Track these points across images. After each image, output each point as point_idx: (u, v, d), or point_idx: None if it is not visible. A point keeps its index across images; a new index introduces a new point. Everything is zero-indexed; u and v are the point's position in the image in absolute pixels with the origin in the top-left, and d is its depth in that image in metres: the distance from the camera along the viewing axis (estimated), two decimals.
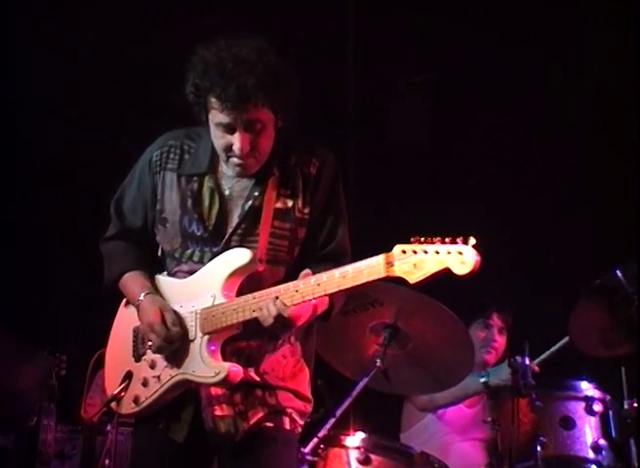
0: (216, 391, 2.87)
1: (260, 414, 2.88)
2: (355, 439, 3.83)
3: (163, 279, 3.02)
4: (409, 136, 5.74)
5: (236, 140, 2.80)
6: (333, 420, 3.73)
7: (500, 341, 4.70)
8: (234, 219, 2.92)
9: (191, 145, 3.02)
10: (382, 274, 2.58)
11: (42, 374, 4.76)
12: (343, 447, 3.82)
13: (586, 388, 3.97)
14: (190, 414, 2.88)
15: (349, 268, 2.65)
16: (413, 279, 2.55)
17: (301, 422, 3.00)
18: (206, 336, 2.84)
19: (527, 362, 4.09)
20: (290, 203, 2.92)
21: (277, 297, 2.70)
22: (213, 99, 2.78)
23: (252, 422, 2.87)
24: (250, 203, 2.91)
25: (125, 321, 3.07)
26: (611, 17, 5.17)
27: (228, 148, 2.83)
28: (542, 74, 5.42)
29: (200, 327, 2.84)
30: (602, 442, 3.83)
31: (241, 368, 2.80)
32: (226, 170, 2.95)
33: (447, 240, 2.54)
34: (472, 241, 2.52)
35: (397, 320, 3.88)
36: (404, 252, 2.56)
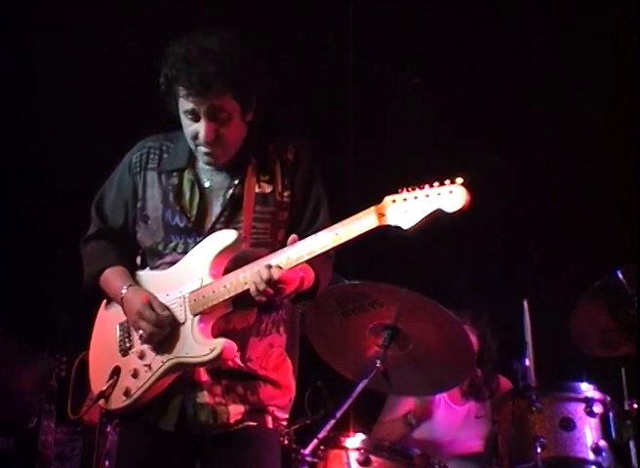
0: (200, 378, 2.88)
1: (242, 410, 2.88)
2: (355, 440, 3.82)
3: (145, 273, 3.03)
4: (409, 136, 5.74)
5: (201, 128, 2.88)
6: (333, 421, 3.72)
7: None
8: (216, 209, 2.97)
9: (169, 145, 3.10)
10: (375, 225, 2.62)
11: (42, 376, 4.76)
12: (343, 448, 3.81)
13: (586, 389, 3.95)
14: (179, 402, 2.88)
15: (341, 225, 2.67)
16: (406, 225, 2.60)
17: (285, 416, 3.02)
18: (197, 317, 2.84)
19: (527, 363, 4.09)
20: (269, 188, 2.99)
21: (270, 264, 2.72)
22: (180, 88, 2.87)
23: (233, 420, 2.87)
24: (231, 191, 2.97)
25: (107, 320, 3.06)
26: (612, 14, 5.17)
27: (195, 136, 2.91)
28: (543, 75, 5.41)
29: (190, 309, 2.85)
30: (602, 443, 3.82)
31: (234, 343, 2.80)
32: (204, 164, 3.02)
33: (435, 184, 2.60)
34: (460, 180, 2.58)
35: (397, 321, 3.87)
36: (394, 201, 2.62)
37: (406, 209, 2.59)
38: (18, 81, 5.41)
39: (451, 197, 2.56)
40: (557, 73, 5.41)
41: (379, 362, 3.84)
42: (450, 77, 5.61)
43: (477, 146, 5.53)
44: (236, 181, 2.98)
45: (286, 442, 3.71)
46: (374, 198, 2.70)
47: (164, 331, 2.86)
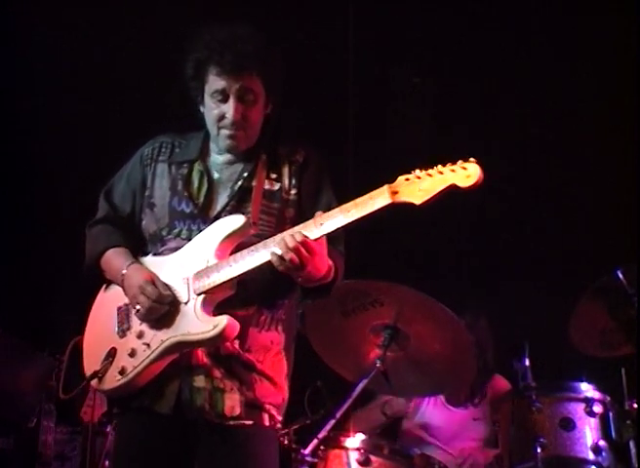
0: (197, 362, 2.86)
1: (237, 400, 2.86)
2: (355, 440, 3.83)
3: (148, 259, 3.01)
4: (409, 136, 5.74)
5: (229, 108, 2.93)
6: (333, 422, 3.72)
7: None
8: (223, 199, 2.99)
9: (182, 142, 3.14)
10: (388, 201, 2.62)
11: (42, 375, 4.75)
12: (343, 448, 3.82)
13: (586, 389, 3.96)
14: (177, 386, 2.86)
15: (353, 204, 2.67)
16: (419, 200, 2.59)
17: (280, 418, 2.99)
18: (200, 296, 2.83)
19: (527, 363, 4.09)
20: (277, 186, 3.02)
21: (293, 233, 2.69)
22: (211, 67, 2.93)
23: (228, 413, 2.84)
24: (239, 183, 3.00)
25: (106, 303, 3.05)
26: (612, 14, 5.17)
27: (221, 118, 2.95)
28: (543, 75, 5.41)
29: (194, 289, 2.84)
30: (602, 443, 3.82)
31: (237, 322, 2.78)
32: (216, 158, 3.06)
33: (448, 164, 2.61)
34: (473, 159, 2.59)
35: (397, 321, 3.87)
36: (407, 180, 2.63)
37: (420, 187, 2.60)
38: (18, 81, 5.41)
39: (465, 173, 2.57)
40: (557, 73, 5.40)
41: (378, 362, 3.84)
42: (450, 77, 5.61)
43: (477, 146, 5.52)
44: (245, 174, 3.01)
45: (286, 442, 3.72)
46: None
47: (162, 309, 2.83)
